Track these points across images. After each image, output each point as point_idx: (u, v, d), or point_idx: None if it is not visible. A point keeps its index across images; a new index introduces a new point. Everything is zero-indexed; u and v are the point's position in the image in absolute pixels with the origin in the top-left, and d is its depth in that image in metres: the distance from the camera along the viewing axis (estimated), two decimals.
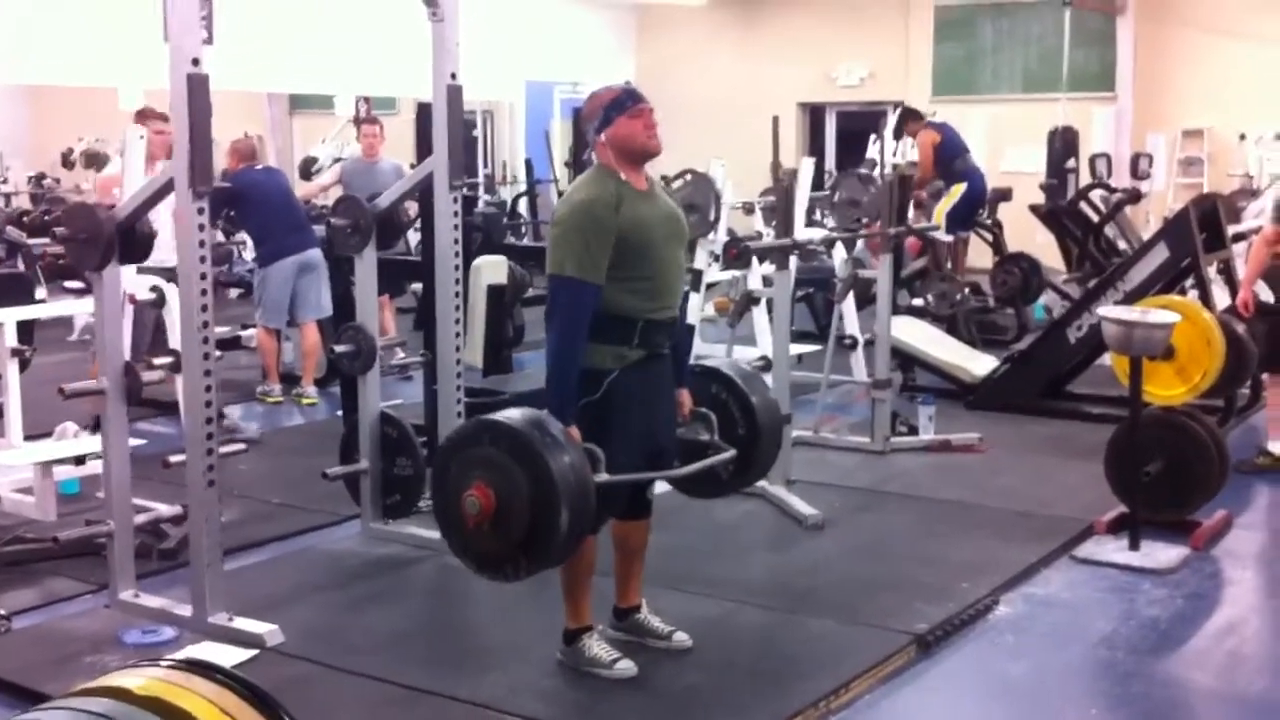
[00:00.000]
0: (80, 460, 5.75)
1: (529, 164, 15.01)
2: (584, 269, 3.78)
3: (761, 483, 5.62)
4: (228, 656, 4.20)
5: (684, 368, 4.26)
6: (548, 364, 3.84)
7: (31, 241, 10.63)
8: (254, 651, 4.26)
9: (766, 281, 7.66)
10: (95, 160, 13.45)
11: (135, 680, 1.98)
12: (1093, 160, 11.78)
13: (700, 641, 4.21)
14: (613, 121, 3.90)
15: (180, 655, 4.20)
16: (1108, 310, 5.58)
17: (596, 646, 4.01)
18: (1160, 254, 7.37)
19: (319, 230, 8.16)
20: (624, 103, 3.92)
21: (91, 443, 5.56)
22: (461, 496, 3.64)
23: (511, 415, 3.70)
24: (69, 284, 11.31)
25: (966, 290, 10.14)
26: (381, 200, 5.49)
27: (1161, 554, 5.21)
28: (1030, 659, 4.36)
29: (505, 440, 3.64)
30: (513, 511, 3.59)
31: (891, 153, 10.67)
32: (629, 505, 4.08)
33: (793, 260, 6.46)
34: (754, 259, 7.44)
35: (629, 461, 3.85)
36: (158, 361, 5.04)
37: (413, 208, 8.27)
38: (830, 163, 15.46)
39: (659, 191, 4.07)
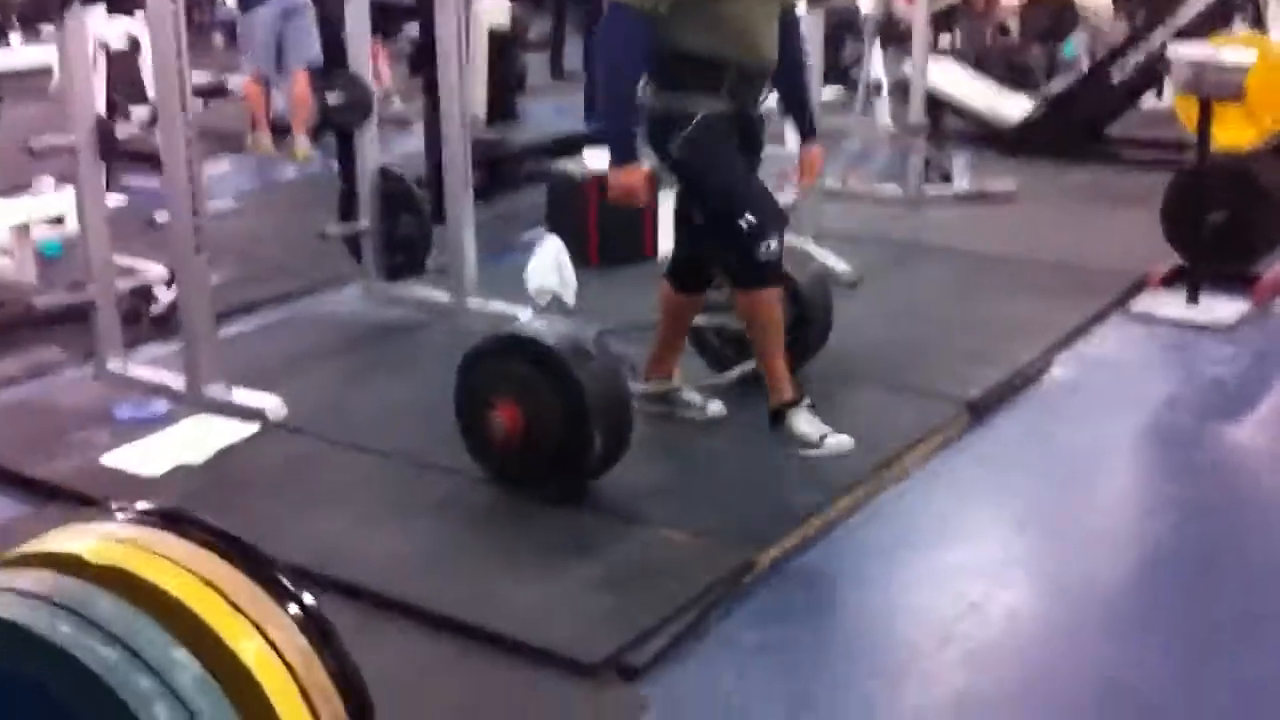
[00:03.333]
0: (59, 220, 5.36)
1: None
2: None
3: (790, 239, 5.23)
4: (227, 432, 3.90)
5: (808, 116, 3.91)
6: (600, 98, 3.54)
7: None
8: (255, 427, 3.94)
9: None
10: None
11: (89, 543, 1.57)
12: None
13: (735, 413, 3.89)
14: None
15: (183, 426, 3.94)
16: (1179, 48, 5.08)
17: (806, 423, 3.53)
18: None
19: None
20: None
21: (69, 200, 5.15)
22: (487, 416, 3.40)
23: (537, 328, 3.50)
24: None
25: (995, 27, 9.56)
26: None
27: (1221, 309, 4.88)
28: (1088, 424, 4.05)
29: (531, 355, 3.39)
30: (542, 431, 3.35)
31: None
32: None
33: None
34: None
35: (740, 179, 3.55)
36: (135, 112, 4.61)
37: None
38: None
39: None
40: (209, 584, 1.52)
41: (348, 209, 5.15)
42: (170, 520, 1.62)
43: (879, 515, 3.44)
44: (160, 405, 4.12)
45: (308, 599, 1.61)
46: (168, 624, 1.45)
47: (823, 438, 3.48)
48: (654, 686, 2.70)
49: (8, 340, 4.75)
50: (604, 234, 5.54)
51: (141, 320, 4.83)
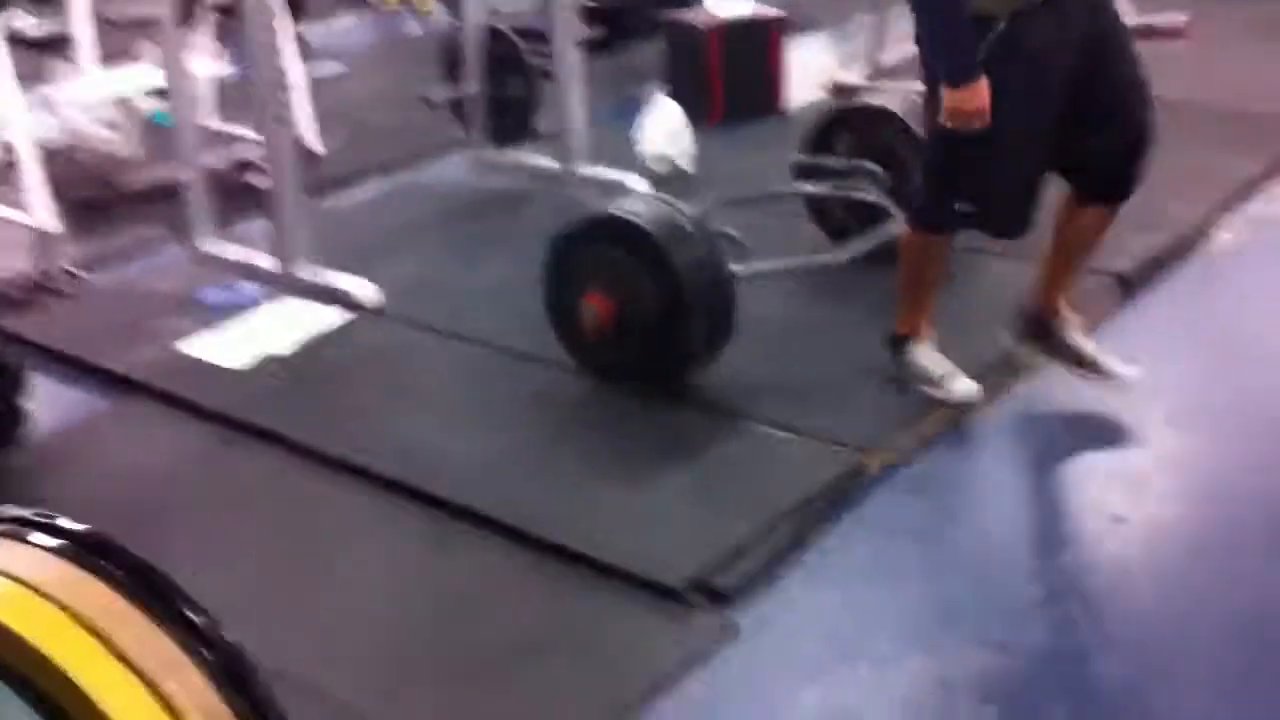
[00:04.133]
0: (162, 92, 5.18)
1: None
2: None
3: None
4: (317, 320, 3.70)
5: None
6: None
7: None
8: (347, 314, 3.74)
9: None
10: None
11: None
12: None
13: (849, 298, 3.54)
14: None
15: (270, 311, 3.76)
16: None
17: (928, 357, 3.09)
18: None
19: None
20: None
21: None
22: (578, 305, 3.13)
23: (631, 207, 3.16)
24: None
25: None
26: None
27: None
28: (1259, 300, 3.61)
29: (624, 239, 3.09)
30: (637, 322, 3.08)
31: None
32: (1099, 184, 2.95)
33: None
34: None
35: (1017, 154, 2.79)
36: None
37: None
38: None
39: None
40: (92, 629, 1.20)
41: (453, 70, 4.86)
42: (68, 541, 1.29)
43: (1009, 412, 3.09)
44: (250, 289, 3.94)
45: (226, 639, 1.28)
46: (25, 689, 1.16)
47: (945, 377, 3.04)
48: (745, 611, 2.44)
49: (111, 218, 4.62)
50: (728, 88, 5.16)
51: (245, 194, 4.64)
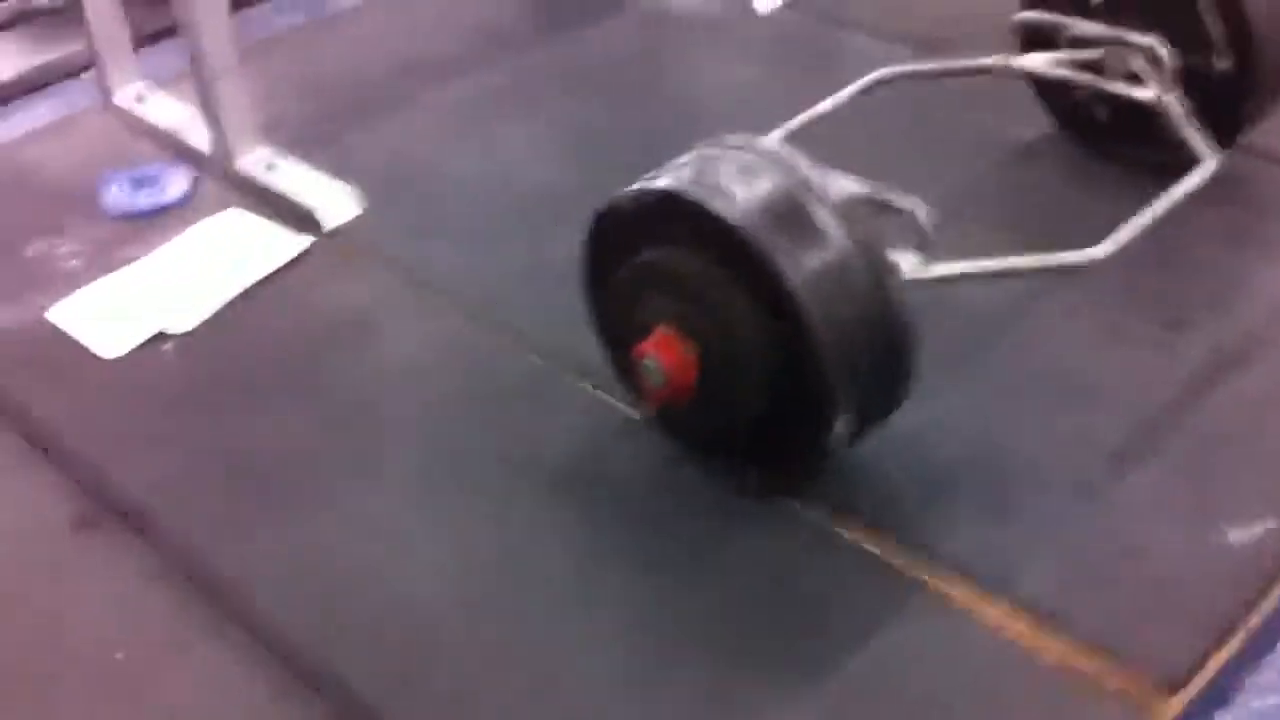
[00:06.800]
0: None
1: None
2: None
3: None
4: (255, 255, 2.39)
5: None
6: None
7: None
8: (301, 243, 2.42)
9: None
10: None
11: None
12: None
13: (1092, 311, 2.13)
14: None
15: (192, 237, 2.45)
16: None
17: None
18: None
19: None
20: None
21: None
22: (635, 347, 1.70)
23: (713, 178, 1.66)
24: None
25: None
26: None
27: None
28: None
29: (699, 235, 1.63)
30: (728, 386, 1.66)
31: None
32: None
33: None
34: None
35: None
36: None
37: None
38: None
39: None
40: None
41: None
42: None
43: None
44: (174, 186, 2.62)
45: None
46: None
47: None
48: None
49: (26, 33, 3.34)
50: None
51: None
